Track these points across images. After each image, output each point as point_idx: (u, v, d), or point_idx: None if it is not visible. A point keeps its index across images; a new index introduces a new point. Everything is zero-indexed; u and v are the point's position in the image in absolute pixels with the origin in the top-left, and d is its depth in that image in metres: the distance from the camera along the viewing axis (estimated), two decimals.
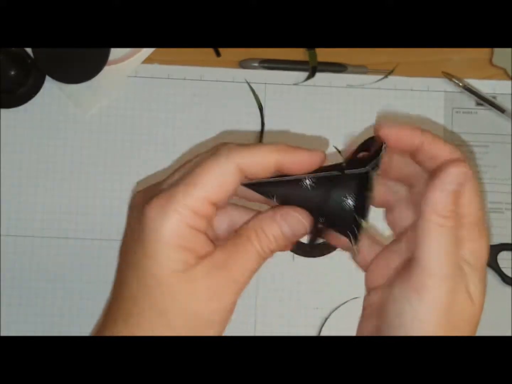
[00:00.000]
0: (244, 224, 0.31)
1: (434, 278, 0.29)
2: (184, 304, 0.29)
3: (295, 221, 0.31)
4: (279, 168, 0.31)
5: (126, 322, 0.29)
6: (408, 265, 0.31)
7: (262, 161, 0.30)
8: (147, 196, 0.30)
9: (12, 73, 0.54)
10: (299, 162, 0.31)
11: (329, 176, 0.31)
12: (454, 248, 0.29)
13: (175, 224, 0.29)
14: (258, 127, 0.56)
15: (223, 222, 0.33)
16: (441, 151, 0.32)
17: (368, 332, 0.33)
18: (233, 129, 0.56)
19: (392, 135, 0.32)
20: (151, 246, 0.29)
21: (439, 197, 0.29)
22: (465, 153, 0.29)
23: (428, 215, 0.29)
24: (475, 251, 0.31)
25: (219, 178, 0.29)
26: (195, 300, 0.29)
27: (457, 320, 0.30)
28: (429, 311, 0.29)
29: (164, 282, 0.29)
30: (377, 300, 0.33)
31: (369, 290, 0.34)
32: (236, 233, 0.31)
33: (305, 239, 0.32)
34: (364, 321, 0.34)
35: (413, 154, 0.32)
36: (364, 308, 0.34)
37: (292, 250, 0.31)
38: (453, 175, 0.29)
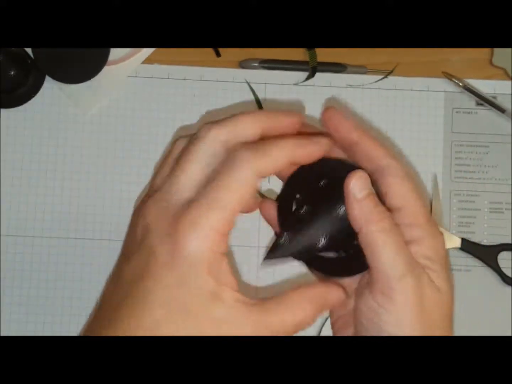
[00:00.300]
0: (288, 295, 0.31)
1: (394, 279, 0.30)
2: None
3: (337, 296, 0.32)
4: (292, 163, 0.31)
5: None
6: (369, 276, 0.31)
7: (277, 163, 0.30)
8: (162, 211, 0.29)
9: (12, 73, 0.54)
10: (310, 154, 0.31)
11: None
12: (403, 246, 0.30)
13: (207, 251, 0.28)
14: None
15: None
16: (375, 153, 0.32)
17: None
18: None
19: (333, 120, 0.32)
20: (183, 273, 0.28)
21: (360, 209, 0.30)
22: (398, 156, 0.30)
23: (365, 228, 0.30)
24: (433, 245, 0.31)
25: (243, 195, 0.29)
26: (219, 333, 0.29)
27: (430, 312, 0.31)
28: (402, 310, 0.30)
29: (192, 312, 0.28)
30: (344, 312, 0.34)
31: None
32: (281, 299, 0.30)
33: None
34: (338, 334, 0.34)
35: (351, 151, 0.33)
36: (333, 325, 0.35)
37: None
38: (355, 185, 0.30)
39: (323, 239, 0.32)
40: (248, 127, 0.30)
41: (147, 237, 0.29)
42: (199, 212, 0.28)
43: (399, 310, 0.30)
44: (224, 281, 0.29)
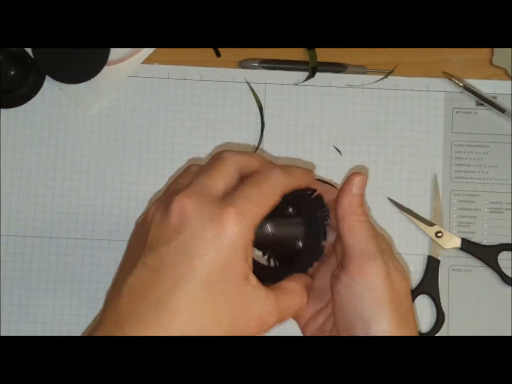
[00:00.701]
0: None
1: (367, 256, 0.34)
2: (240, 315, 0.32)
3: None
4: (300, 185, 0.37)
5: (181, 328, 0.30)
6: (343, 260, 0.35)
7: (299, 183, 0.36)
8: (199, 201, 0.32)
9: (12, 73, 0.54)
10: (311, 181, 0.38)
11: (287, 222, 0.38)
12: (375, 235, 0.36)
13: (247, 239, 0.32)
14: (258, 127, 0.56)
15: None
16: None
17: None
18: (233, 128, 0.56)
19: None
20: (227, 257, 0.31)
21: (350, 201, 0.36)
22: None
23: (348, 217, 0.35)
24: (383, 240, 0.37)
25: (275, 200, 0.34)
26: (247, 317, 0.32)
27: (396, 284, 0.34)
28: (375, 281, 0.34)
29: (228, 293, 0.31)
30: (316, 325, 0.38)
31: (303, 326, 0.39)
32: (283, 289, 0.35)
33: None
34: None
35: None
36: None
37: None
38: (356, 182, 0.36)
39: (270, 228, 0.38)
40: (255, 162, 0.36)
41: (188, 221, 0.31)
42: (247, 205, 0.32)
43: (374, 281, 0.34)
44: (250, 264, 0.33)
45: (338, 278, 0.35)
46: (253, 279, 0.32)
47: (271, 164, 0.36)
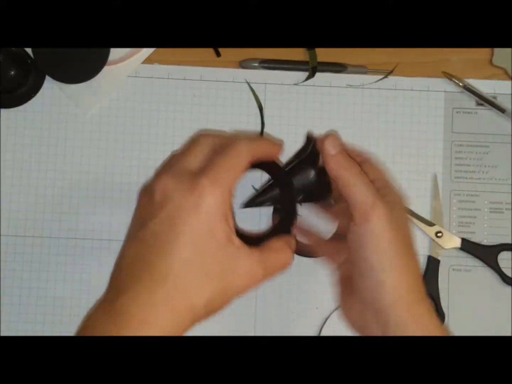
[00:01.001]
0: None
1: (368, 206, 0.38)
2: (228, 270, 0.35)
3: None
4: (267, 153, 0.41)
5: (176, 284, 0.34)
6: (350, 213, 0.39)
7: (262, 150, 0.40)
8: (177, 176, 0.36)
9: (12, 73, 0.54)
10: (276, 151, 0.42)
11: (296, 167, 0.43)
12: (369, 184, 0.39)
13: (224, 202, 0.35)
14: (258, 127, 0.56)
15: None
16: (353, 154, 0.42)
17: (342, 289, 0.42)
18: (233, 128, 0.56)
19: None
20: (207, 220, 0.35)
21: (334, 162, 0.39)
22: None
23: (340, 175, 0.39)
24: (392, 199, 0.40)
25: (244, 163, 0.37)
26: (234, 272, 0.36)
27: (400, 223, 0.38)
28: (378, 226, 0.37)
29: (212, 251, 0.35)
30: (340, 272, 0.43)
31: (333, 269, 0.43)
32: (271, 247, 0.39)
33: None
34: (340, 287, 0.43)
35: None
36: (336, 281, 0.43)
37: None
38: (328, 144, 0.40)
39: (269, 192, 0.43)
40: (227, 139, 0.39)
41: (169, 196, 0.35)
42: (218, 172, 0.36)
43: (376, 226, 0.37)
44: (231, 226, 0.36)
45: (348, 228, 0.39)
46: (236, 240, 0.36)
47: (238, 136, 0.40)
